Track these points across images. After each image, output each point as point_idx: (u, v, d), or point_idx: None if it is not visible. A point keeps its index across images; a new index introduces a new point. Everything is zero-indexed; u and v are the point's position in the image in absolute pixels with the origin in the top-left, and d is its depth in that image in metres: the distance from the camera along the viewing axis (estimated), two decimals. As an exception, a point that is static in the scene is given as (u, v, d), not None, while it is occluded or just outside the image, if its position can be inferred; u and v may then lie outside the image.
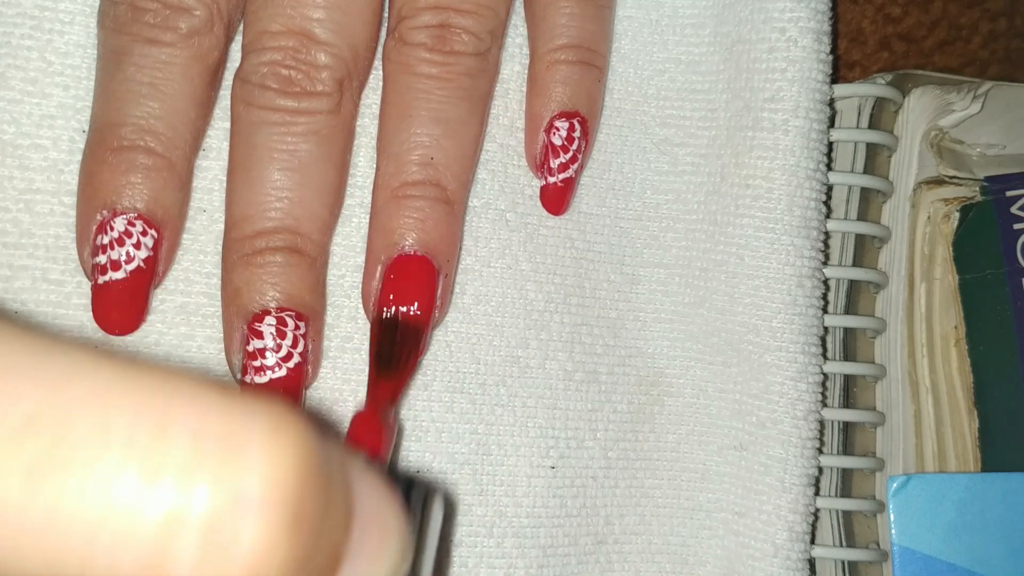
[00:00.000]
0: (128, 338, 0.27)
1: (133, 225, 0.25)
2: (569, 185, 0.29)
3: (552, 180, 0.29)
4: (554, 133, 0.28)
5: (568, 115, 0.28)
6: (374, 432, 0.24)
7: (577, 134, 0.28)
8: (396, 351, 0.26)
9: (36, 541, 0.11)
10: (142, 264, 0.26)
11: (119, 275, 0.25)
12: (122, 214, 0.25)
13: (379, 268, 0.27)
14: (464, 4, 0.27)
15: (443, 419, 0.29)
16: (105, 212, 0.25)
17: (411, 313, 0.26)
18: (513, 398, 0.29)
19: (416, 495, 0.17)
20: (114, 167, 0.25)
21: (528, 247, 0.30)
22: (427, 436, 0.28)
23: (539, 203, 0.30)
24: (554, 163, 0.29)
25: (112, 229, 0.25)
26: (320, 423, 0.13)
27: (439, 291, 0.27)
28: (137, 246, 0.25)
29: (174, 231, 0.26)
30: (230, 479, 0.12)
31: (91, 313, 0.26)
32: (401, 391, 0.26)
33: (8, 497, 0.11)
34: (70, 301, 0.27)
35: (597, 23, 0.29)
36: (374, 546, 0.14)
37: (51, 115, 0.27)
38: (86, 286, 0.27)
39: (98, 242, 0.25)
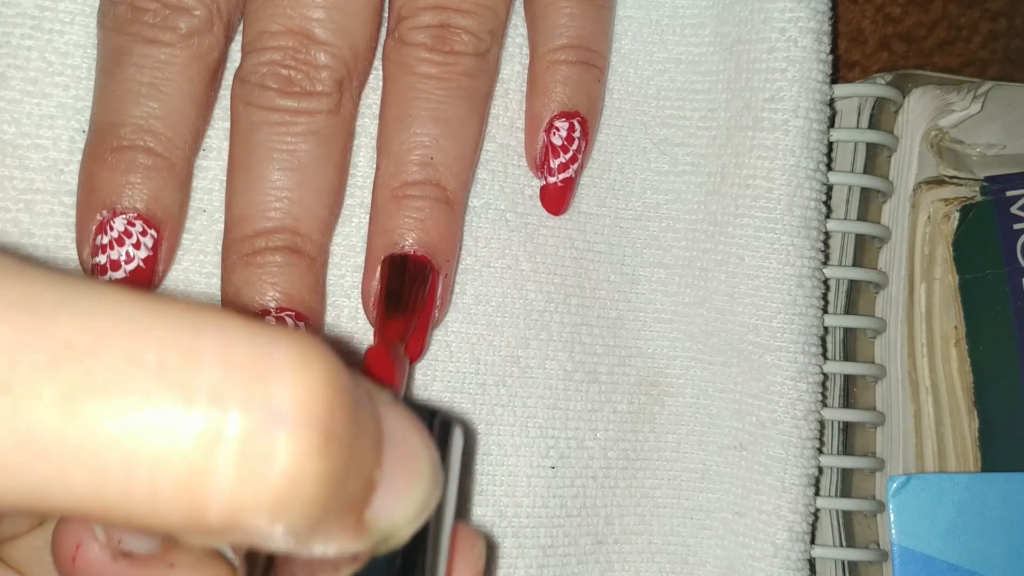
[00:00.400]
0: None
1: (133, 225, 0.25)
2: (569, 185, 0.29)
3: (552, 180, 0.29)
4: (554, 133, 0.28)
5: (568, 115, 0.28)
6: (386, 364, 0.24)
7: (577, 134, 0.28)
8: (405, 290, 0.26)
9: (77, 464, 0.12)
10: (142, 264, 0.26)
11: (119, 275, 0.25)
12: (122, 214, 0.25)
13: (379, 267, 0.27)
14: (464, 4, 0.27)
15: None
16: (105, 212, 0.25)
17: (417, 253, 0.26)
18: (513, 398, 0.29)
19: (435, 425, 0.18)
20: (114, 167, 0.25)
21: (528, 247, 0.30)
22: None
23: (539, 203, 0.30)
24: (554, 163, 0.29)
25: (112, 229, 0.25)
26: (347, 359, 0.13)
27: (439, 291, 0.27)
28: (137, 246, 0.25)
29: (174, 231, 0.26)
30: (261, 399, 0.12)
31: None
32: (409, 330, 0.26)
33: (47, 422, 0.11)
34: (70, 301, 0.27)
35: (597, 23, 0.29)
36: (405, 476, 0.14)
37: (51, 115, 0.27)
38: (86, 286, 0.27)
39: (98, 242, 0.25)
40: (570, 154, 0.29)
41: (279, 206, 0.26)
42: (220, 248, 0.27)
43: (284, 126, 0.26)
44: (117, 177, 0.25)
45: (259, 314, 0.25)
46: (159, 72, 0.25)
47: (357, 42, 0.26)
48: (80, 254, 0.26)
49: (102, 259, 0.25)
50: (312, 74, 0.26)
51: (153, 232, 0.26)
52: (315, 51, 0.26)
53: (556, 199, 0.29)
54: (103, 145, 0.25)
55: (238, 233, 0.26)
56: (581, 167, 0.29)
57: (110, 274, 0.25)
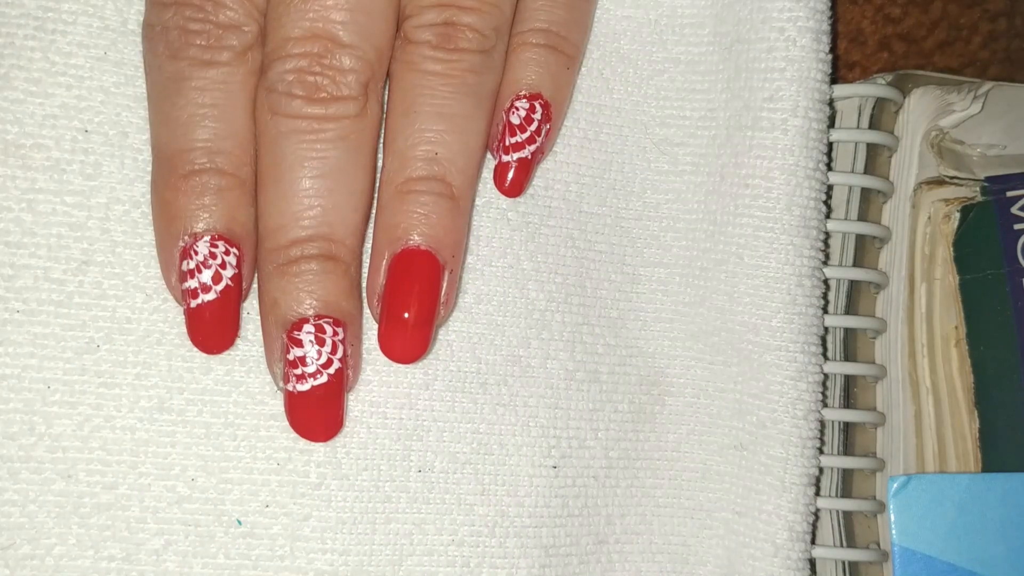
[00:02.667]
0: (130, 337, 0.27)
1: (215, 246, 0.26)
2: (524, 166, 0.29)
3: (506, 159, 0.29)
4: (513, 112, 0.28)
5: (530, 97, 0.28)
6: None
7: (537, 116, 0.28)
8: None
9: None
10: (230, 283, 0.26)
11: (210, 296, 0.26)
12: (203, 237, 0.26)
13: (383, 263, 0.27)
14: (468, 1, 0.26)
15: (445, 418, 0.29)
16: (187, 238, 0.26)
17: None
18: (514, 397, 0.29)
19: None
20: (188, 192, 0.26)
21: (529, 246, 0.30)
22: (429, 435, 0.28)
23: (540, 202, 0.30)
24: (509, 142, 0.28)
25: (196, 254, 0.26)
26: None
27: (444, 287, 0.27)
28: (223, 266, 0.26)
29: (252, 245, 0.27)
30: None
31: (100, 312, 0.26)
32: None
33: None
34: (72, 300, 0.27)
35: (570, 11, 0.29)
36: None
37: (54, 115, 0.27)
38: (88, 284, 0.27)
39: (184, 268, 0.26)
40: (527, 134, 0.28)
41: (312, 214, 0.26)
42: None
43: (313, 134, 0.26)
44: (193, 201, 0.26)
45: (298, 323, 0.26)
46: (220, 92, 0.26)
47: (380, 43, 0.26)
48: (168, 281, 0.26)
49: (192, 284, 0.26)
50: (338, 79, 0.26)
51: (235, 250, 0.26)
52: (340, 55, 0.26)
53: (508, 180, 0.29)
54: (174, 172, 0.26)
55: (272, 243, 0.26)
56: (540, 151, 0.29)
57: (202, 297, 0.26)
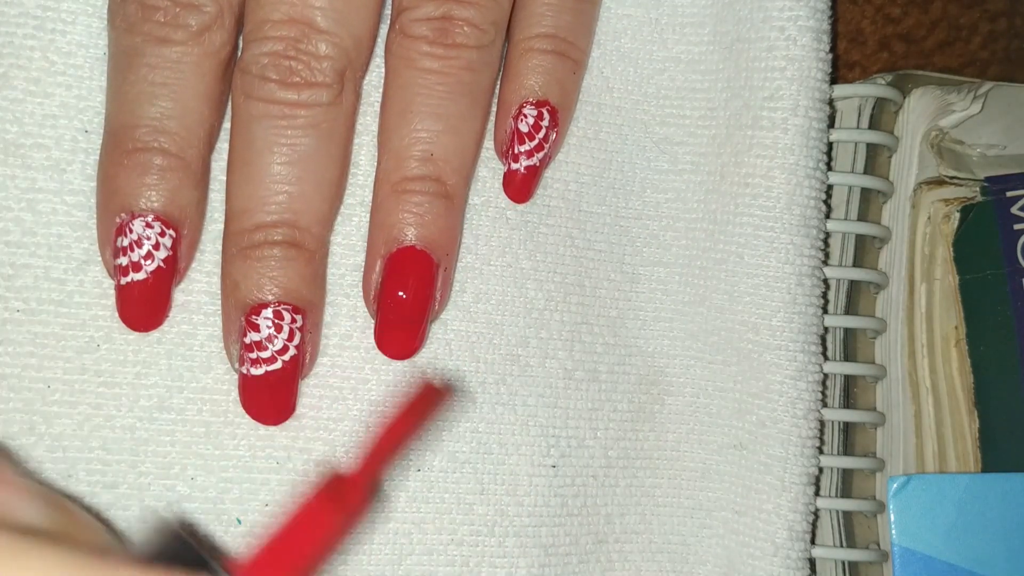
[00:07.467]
0: (130, 336, 0.27)
1: (151, 227, 0.26)
2: (533, 173, 0.29)
3: (515, 167, 0.29)
4: (521, 120, 0.28)
5: (538, 103, 0.28)
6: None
7: (545, 123, 0.28)
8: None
9: None
10: (162, 264, 0.26)
11: (140, 276, 0.26)
12: (140, 216, 0.26)
13: (379, 262, 0.27)
14: None
15: (443, 417, 0.29)
16: (124, 215, 0.26)
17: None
18: (513, 397, 0.29)
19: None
20: (129, 169, 0.25)
21: (528, 245, 0.30)
22: (427, 434, 0.28)
23: (539, 201, 0.30)
24: (519, 149, 0.28)
25: (131, 232, 0.26)
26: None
27: (438, 284, 0.27)
28: (156, 247, 0.26)
29: (193, 229, 0.27)
30: None
31: (100, 311, 0.27)
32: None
33: None
34: (72, 299, 0.27)
35: (576, 15, 0.29)
36: None
37: (53, 114, 0.27)
38: (88, 284, 0.27)
39: (118, 244, 0.26)
40: (535, 142, 0.28)
41: (279, 200, 0.26)
42: (219, 246, 0.27)
43: (284, 119, 0.26)
44: (133, 180, 0.25)
45: (257, 307, 0.26)
46: (171, 71, 0.25)
47: (359, 31, 0.26)
48: (103, 256, 0.26)
49: (124, 261, 0.26)
50: (313, 64, 0.26)
51: (171, 232, 0.26)
52: (316, 40, 0.26)
53: (518, 187, 0.29)
54: (118, 148, 0.26)
55: (237, 226, 0.26)
56: (548, 157, 0.29)
57: (132, 275, 0.26)
